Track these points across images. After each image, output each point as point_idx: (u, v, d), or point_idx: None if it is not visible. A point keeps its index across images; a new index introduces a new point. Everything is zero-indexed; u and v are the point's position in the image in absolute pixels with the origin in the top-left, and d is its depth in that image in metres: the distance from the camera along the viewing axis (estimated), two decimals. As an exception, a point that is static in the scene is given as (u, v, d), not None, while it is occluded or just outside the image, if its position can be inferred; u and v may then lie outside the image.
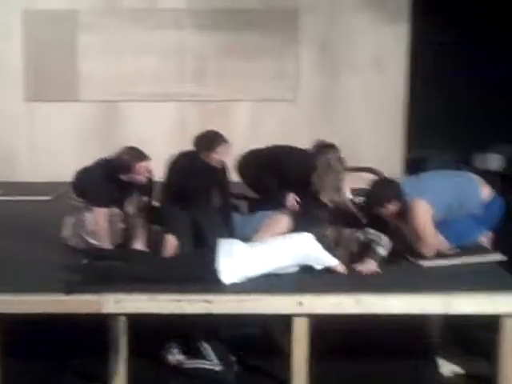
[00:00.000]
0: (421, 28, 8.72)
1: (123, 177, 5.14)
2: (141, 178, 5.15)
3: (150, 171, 5.21)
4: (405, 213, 5.09)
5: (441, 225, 5.16)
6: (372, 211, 5.18)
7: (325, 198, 5.64)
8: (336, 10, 8.84)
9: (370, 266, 4.86)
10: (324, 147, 5.73)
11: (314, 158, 5.66)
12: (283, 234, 5.13)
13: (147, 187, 5.31)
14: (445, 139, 9.71)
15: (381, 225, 5.15)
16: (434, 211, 5.05)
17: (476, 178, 5.48)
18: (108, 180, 5.17)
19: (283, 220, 5.35)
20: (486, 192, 5.31)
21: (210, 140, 5.24)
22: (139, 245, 5.27)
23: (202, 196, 5.32)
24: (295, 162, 5.74)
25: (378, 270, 4.86)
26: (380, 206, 5.09)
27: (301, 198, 5.65)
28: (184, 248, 5.16)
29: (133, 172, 5.10)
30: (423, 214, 5.04)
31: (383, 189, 5.14)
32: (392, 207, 5.08)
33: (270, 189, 5.74)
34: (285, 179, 5.68)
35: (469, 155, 10.24)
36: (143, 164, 5.11)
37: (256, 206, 5.80)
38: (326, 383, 4.58)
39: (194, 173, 5.23)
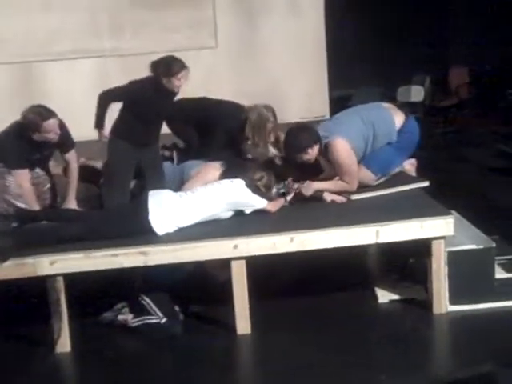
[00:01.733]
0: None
1: (35, 136, 5.06)
2: (51, 136, 5.09)
3: (60, 128, 5.12)
4: (325, 154, 5.19)
5: (362, 158, 5.27)
6: (294, 158, 5.23)
7: (253, 152, 5.67)
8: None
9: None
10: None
11: (244, 111, 5.72)
12: (212, 181, 5.15)
13: (62, 144, 5.26)
14: (367, 75, 9.82)
15: (304, 169, 5.25)
16: (351, 145, 5.15)
17: (387, 105, 5.59)
18: (21, 141, 5.09)
19: (213, 168, 5.37)
20: (399, 118, 5.40)
21: (169, 65, 5.27)
22: (72, 204, 5.24)
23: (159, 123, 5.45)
24: (225, 114, 5.77)
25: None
26: (301, 152, 5.15)
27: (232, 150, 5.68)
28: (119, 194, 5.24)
29: (41, 131, 5.03)
30: (342, 149, 5.14)
31: (300, 135, 5.19)
32: (312, 151, 5.16)
33: (194, 140, 5.78)
34: (213, 131, 5.70)
35: (391, 89, 10.41)
36: (50, 122, 5.03)
37: (185, 156, 5.82)
38: (269, 321, 4.68)
39: (157, 98, 5.29)
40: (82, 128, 5.30)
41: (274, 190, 5.12)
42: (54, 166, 5.67)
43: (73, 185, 5.36)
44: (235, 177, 4.98)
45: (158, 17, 8.71)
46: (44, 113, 5.04)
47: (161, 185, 5.22)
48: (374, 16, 9.64)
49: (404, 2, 9.88)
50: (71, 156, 5.39)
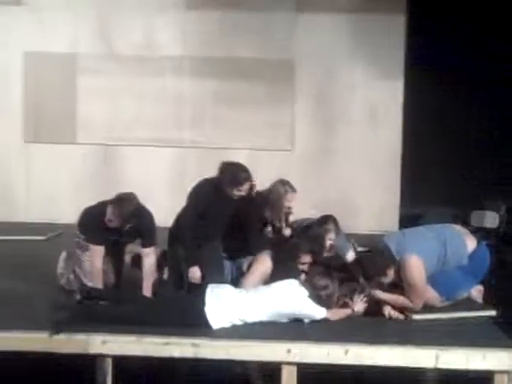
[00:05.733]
0: (415, 83, 8.84)
1: (106, 220, 5.17)
2: (111, 225, 5.17)
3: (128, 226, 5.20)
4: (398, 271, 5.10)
5: (430, 278, 5.16)
6: (375, 282, 5.17)
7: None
8: (332, 62, 9.00)
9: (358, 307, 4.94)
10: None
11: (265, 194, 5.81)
12: (267, 272, 5.15)
13: (142, 237, 5.30)
14: (440, 194, 9.73)
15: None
16: (425, 263, 5.06)
17: (459, 228, 5.51)
18: (101, 221, 5.20)
19: (263, 259, 5.34)
20: (471, 242, 5.32)
21: (235, 176, 5.27)
22: (147, 293, 5.22)
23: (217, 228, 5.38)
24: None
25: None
26: (381, 276, 5.08)
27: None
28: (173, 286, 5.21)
29: (111, 221, 5.15)
30: (415, 268, 5.04)
31: (376, 260, 5.10)
32: (390, 272, 5.09)
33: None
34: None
35: (464, 212, 10.25)
36: (108, 209, 5.14)
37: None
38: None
39: (216, 203, 5.27)
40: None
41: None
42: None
43: (148, 278, 5.27)
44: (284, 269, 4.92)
45: (238, 115, 8.98)
46: (117, 203, 5.15)
47: (221, 279, 5.19)
48: (454, 133, 9.63)
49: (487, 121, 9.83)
50: (149, 252, 5.31)
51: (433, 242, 5.20)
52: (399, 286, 5.14)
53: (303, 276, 5.18)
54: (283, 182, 5.89)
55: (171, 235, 5.47)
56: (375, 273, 5.07)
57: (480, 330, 4.90)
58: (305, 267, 5.24)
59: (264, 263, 5.28)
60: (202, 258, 5.35)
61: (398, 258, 5.08)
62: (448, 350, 4.45)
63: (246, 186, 5.28)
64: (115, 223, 5.16)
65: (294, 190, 5.85)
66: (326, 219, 5.69)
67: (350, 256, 5.76)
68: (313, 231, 5.55)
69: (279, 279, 4.98)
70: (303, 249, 5.21)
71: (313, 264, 5.30)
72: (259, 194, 5.82)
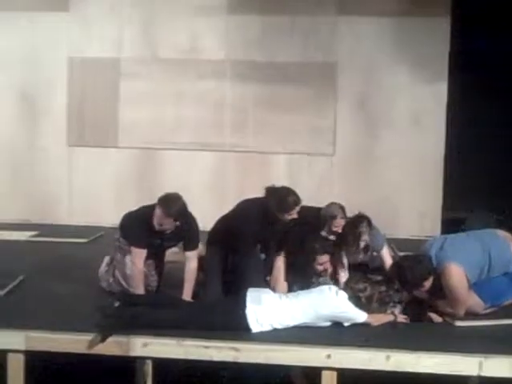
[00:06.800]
0: (460, 87, 8.72)
1: (154, 224, 5.18)
2: (165, 228, 5.19)
3: (182, 224, 5.21)
4: (438, 279, 5.03)
5: (474, 285, 5.07)
6: (410, 292, 5.11)
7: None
8: (374, 66, 8.90)
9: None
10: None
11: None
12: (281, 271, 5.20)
13: (186, 241, 5.33)
14: (484, 198, 9.57)
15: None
16: (466, 272, 4.98)
17: (503, 234, 5.40)
18: (145, 224, 5.23)
19: (279, 260, 5.39)
20: None
21: (284, 201, 5.19)
22: (187, 297, 5.23)
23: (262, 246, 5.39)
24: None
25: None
26: (417, 287, 5.01)
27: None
28: (211, 290, 5.20)
29: (161, 223, 5.16)
30: (456, 276, 4.96)
31: (416, 269, 4.96)
32: (427, 283, 5.01)
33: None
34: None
35: (508, 217, 10.07)
36: (157, 210, 5.14)
37: None
38: None
39: (264, 226, 5.23)
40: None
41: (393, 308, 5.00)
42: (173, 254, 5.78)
43: (188, 284, 5.27)
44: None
45: (280, 119, 8.96)
46: (167, 208, 5.12)
47: (260, 284, 5.16)
48: (498, 137, 9.47)
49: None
50: (192, 256, 5.33)
51: (476, 251, 5.11)
52: (438, 294, 5.07)
53: (322, 277, 5.24)
54: (335, 205, 5.81)
55: (211, 240, 5.48)
56: (412, 283, 4.99)
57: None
58: (322, 267, 5.25)
59: (278, 264, 5.31)
60: (242, 262, 5.34)
61: (438, 266, 5.00)
62: (492, 358, 4.36)
63: (296, 210, 5.23)
64: (163, 222, 5.16)
65: (344, 215, 5.75)
66: (359, 221, 5.65)
67: (385, 252, 5.77)
68: (346, 236, 5.58)
69: (298, 285, 5.07)
70: (319, 251, 5.17)
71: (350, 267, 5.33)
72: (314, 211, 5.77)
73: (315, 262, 5.24)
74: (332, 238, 5.70)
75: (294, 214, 5.24)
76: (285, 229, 5.40)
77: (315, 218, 5.73)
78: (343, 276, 5.54)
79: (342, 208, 5.79)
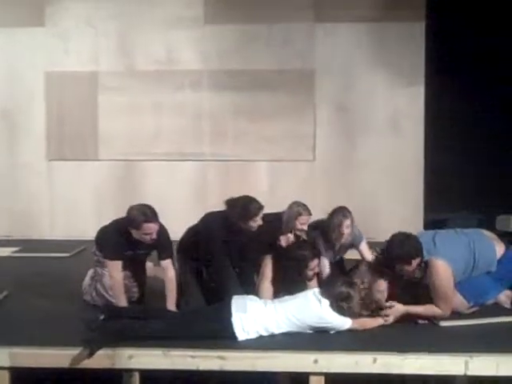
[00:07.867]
0: (437, 90, 8.79)
1: (133, 233, 5.13)
2: (147, 238, 5.13)
3: (158, 234, 5.15)
4: (422, 269, 5.03)
5: (458, 284, 5.10)
6: (393, 267, 5.07)
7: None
8: (352, 71, 8.96)
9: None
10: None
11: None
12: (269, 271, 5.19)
13: (159, 250, 5.29)
14: (464, 202, 9.63)
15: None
16: (452, 271, 5.00)
17: (488, 234, 5.44)
18: (120, 235, 5.19)
19: (267, 260, 5.36)
20: (500, 248, 5.25)
21: (247, 208, 5.21)
22: (171, 307, 5.19)
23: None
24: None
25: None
26: (404, 263, 4.97)
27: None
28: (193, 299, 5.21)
29: (140, 230, 5.10)
30: (443, 273, 4.97)
31: (406, 244, 4.97)
32: (414, 263, 5.00)
33: None
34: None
35: (489, 217, 10.14)
36: (151, 225, 5.08)
37: None
38: None
39: (228, 238, 5.24)
40: (174, 229, 5.39)
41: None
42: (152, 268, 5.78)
43: (171, 293, 5.22)
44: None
45: (259, 127, 8.99)
46: (148, 214, 5.09)
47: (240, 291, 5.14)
48: (476, 139, 9.54)
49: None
50: (167, 264, 5.30)
51: (462, 250, 5.12)
52: (422, 285, 5.07)
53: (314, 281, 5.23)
54: (297, 204, 5.84)
55: (183, 250, 5.49)
56: (400, 257, 4.95)
57: (509, 335, 4.82)
58: (313, 272, 5.23)
59: (269, 267, 5.29)
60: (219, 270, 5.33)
61: (426, 258, 5.01)
62: (477, 357, 4.38)
63: (260, 215, 5.24)
64: (149, 239, 5.10)
65: (308, 212, 5.79)
66: (340, 209, 5.67)
67: (364, 246, 5.78)
68: (329, 221, 5.59)
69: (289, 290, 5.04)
70: (308, 257, 5.18)
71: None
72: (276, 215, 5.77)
73: (307, 268, 5.21)
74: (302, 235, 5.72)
75: (258, 221, 5.24)
76: (249, 238, 5.39)
77: (279, 222, 5.71)
78: (325, 265, 5.55)
79: (305, 205, 5.80)
